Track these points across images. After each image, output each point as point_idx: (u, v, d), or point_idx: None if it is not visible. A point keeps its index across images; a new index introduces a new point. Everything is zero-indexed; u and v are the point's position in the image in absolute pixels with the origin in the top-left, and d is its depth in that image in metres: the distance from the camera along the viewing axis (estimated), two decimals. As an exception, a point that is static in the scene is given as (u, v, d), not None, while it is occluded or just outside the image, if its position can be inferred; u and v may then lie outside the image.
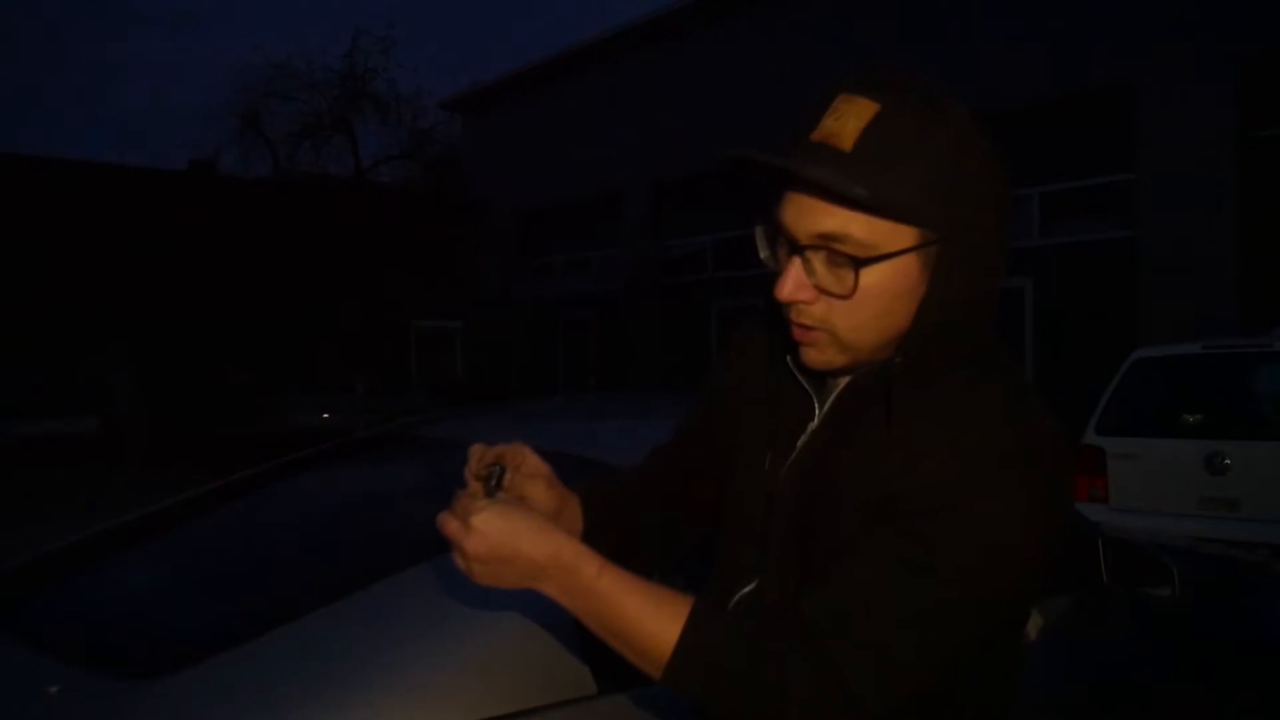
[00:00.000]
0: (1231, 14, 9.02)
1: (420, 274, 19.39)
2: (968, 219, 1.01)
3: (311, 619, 1.58)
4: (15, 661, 1.73)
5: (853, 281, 1.01)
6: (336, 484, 2.60)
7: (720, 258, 14.41)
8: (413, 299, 20.02)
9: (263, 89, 23.66)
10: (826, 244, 1.02)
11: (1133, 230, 9.80)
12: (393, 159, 24.90)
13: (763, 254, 1.10)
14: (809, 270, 1.04)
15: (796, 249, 1.04)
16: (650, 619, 0.99)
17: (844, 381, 1.12)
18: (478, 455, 1.16)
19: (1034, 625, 2.20)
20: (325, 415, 14.32)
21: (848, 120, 1.00)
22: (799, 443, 1.14)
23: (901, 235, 1.01)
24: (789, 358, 1.14)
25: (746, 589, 1.16)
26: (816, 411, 1.14)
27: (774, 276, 1.07)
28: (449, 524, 1.03)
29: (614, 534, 1.24)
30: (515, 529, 1.01)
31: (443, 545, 1.05)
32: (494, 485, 1.12)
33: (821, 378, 1.14)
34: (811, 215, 1.02)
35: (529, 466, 1.21)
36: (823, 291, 1.03)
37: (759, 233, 1.10)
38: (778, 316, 1.09)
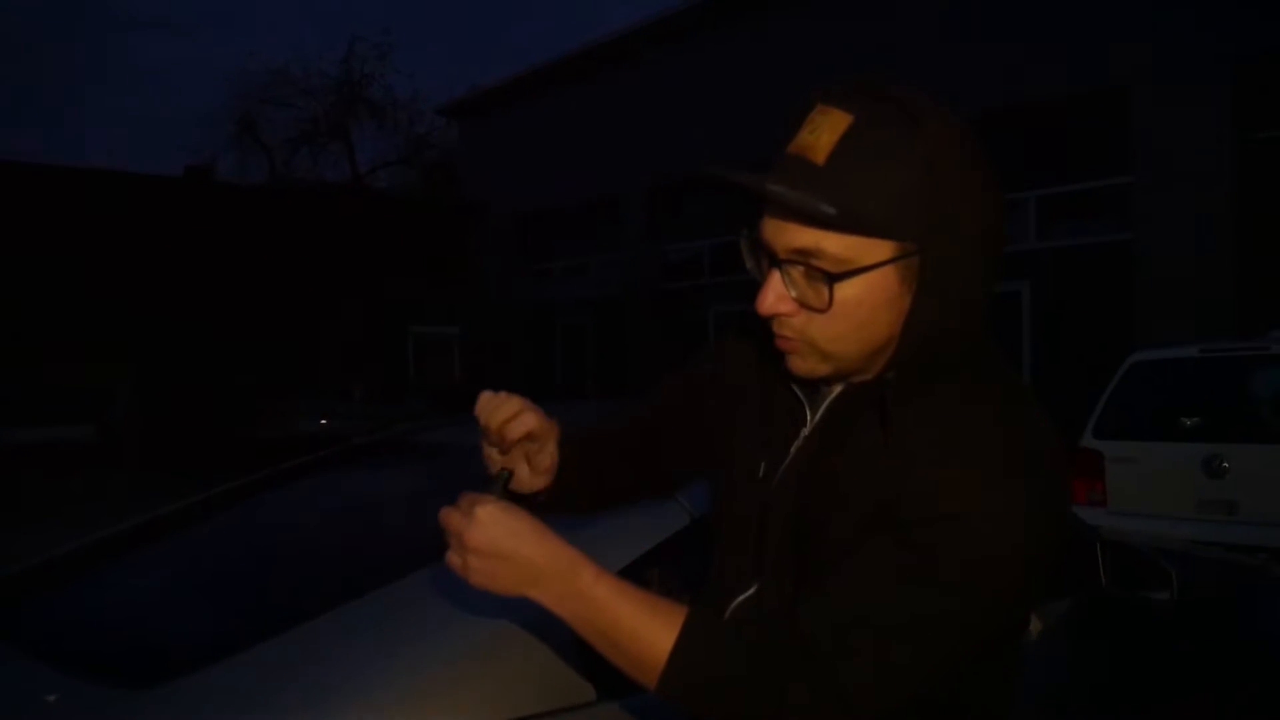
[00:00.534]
0: (1228, 17, 9.03)
1: (418, 279, 19.39)
2: (949, 229, 0.99)
3: (310, 626, 1.58)
4: (14, 670, 1.73)
5: (828, 295, 1.00)
6: (335, 490, 2.60)
7: (718, 262, 14.43)
8: (411, 304, 20.01)
9: (259, 95, 23.71)
10: (802, 259, 1.01)
11: (1130, 233, 9.82)
12: (390, 164, 24.93)
13: (748, 264, 1.10)
14: (789, 283, 1.03)
15: (775, 262, 1.04)
16: (646, 627, 0.99)
17: (836, 389, 1.12)
18: (495, 415, 1.15)
19: (1033, 629, 2.20)
20: (324, 421, 14.31)
21: (822, 133, 1.00)
22: (793, 449, 1.14)
23: (877, 249, 0.99)
24: (781, 365, 1.14)
25: (744, 595, 1.15)
26: (809, 418, 1.14)
27: (761, 284, 1.07)
28: (451, 516, 1.02)
29: (570, 495, 1.24)
30: (517, 528, 1.00)
31: (441, 552, 1.04)
32: (501, 488, 1.11)
33: (814, 385, 1.13)
34: (786, 231, 1.01)
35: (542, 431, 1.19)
36: (802, 304, 1.03)
37: (743, 244, 1.10)
38: (766, 322, 1.09)
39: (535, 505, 1.17)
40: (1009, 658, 1.15)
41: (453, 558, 1.02)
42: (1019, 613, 1.07)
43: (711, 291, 14.31)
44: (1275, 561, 4.10)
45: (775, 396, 1.18)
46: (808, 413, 1.14)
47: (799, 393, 1.15)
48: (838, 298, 1.00)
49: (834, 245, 0.99)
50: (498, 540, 0.99)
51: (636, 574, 1.70)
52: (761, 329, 1.12)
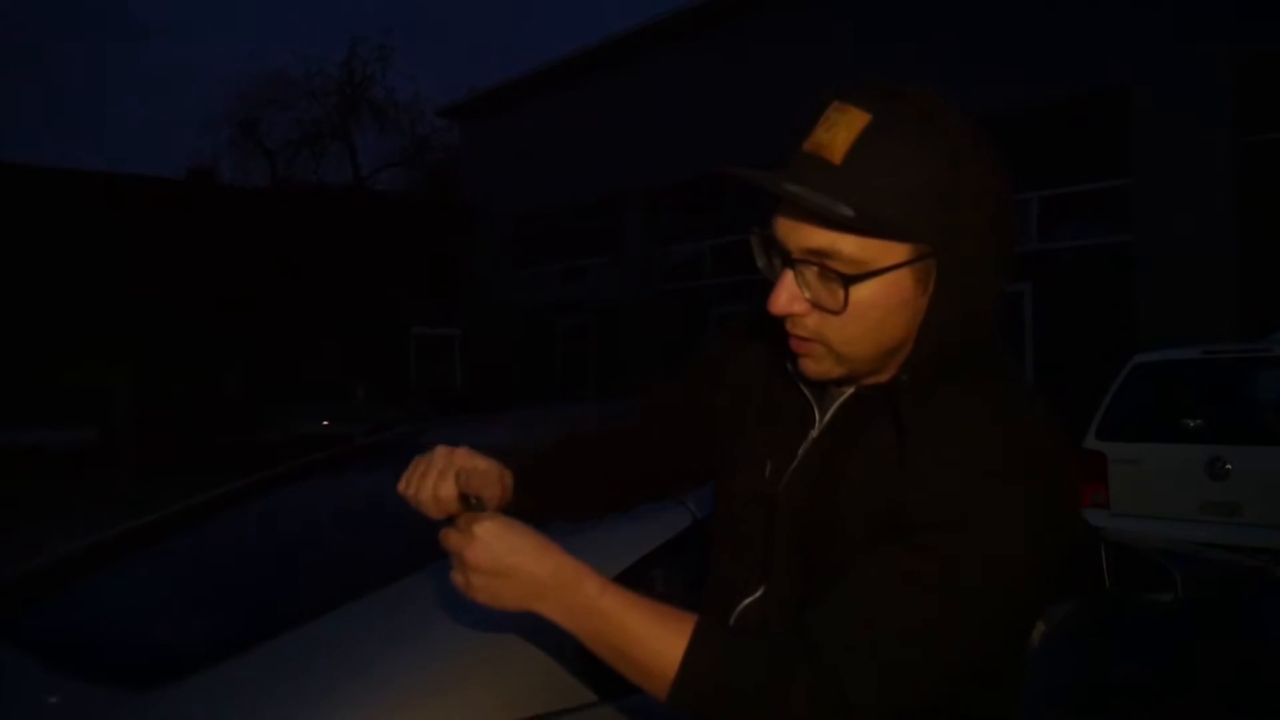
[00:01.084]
0: (1229, 18, 9.03)
1: (419, 281, 19.41)
2: (964, 232, 0.99)
3: (310, 628, 1.57)
4: (15, 672, 1.73)
5: (843, 297, 0.99)
6: (335, 492, 2.60)
7: (719, 263, 14.43)
8: (411, 306, 20.02)
9: (261, 97, 23.71)
10: (817, 260, 1.00)
11: (1132, 235, 9.82)
12: (391, 166, 24.95)
13: (759, 263, 1.09)
14: (802, 283, 1.02)
15: (789, 261, 1.03)
16: (654, 637, 0.98)
17: (847, 392, 1.11)
18: (432, 497, 1.12)
19: (1036, 631, 2.20)
20: (325, 423, 14.32)
21: (839, 131, 0.98)
22: (800, 450, 1.13)
23: (893, 251, 0.99)
24: (789, 365, 1.13)
25: (751, 598, 1.14)
26: (817, 420, 1.13)
27: (772, 282, 1.06)
28: (450, 536, 1.02)
29: (535, 504, 1.22)
30: (519, 543, 1.00)
31: (441, 553, 1.04)
32: (475, 504, 1.10)
33: (823, 386, 1.12)
34: (801, 231, 1.00)
35: (476, 467, 1.16)
36: (815, 305, 1.02)
37: (755, 241, 1.08)
38: (776, 322, 1.08)
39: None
40: (1013, 661, 1.14)
41: (456, 577, 1.02)
42: (1028, 617, 1.06)
43: (711, 293, 14.31)
44: (1278, 563, 4.09)
45: (783, 397, 1.16)
46: (816, 414, 1.13)
47: (808, 394, 1.13)
48: (853, 299, 0.99)
49: (850, 247, 0.98)
50: (499, 557, 0.99)
51: (640, 574, 1.69)
52: (770, 328, 1.11)
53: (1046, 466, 0.99)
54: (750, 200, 1.02)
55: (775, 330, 1.09)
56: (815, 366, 1.07)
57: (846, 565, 1.01)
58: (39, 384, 14.63)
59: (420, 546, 1.44)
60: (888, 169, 0.97)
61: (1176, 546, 3.42)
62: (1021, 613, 1.03)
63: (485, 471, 1.16)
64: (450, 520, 1.07)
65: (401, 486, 1.15)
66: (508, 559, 0.99)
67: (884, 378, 1.08)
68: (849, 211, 0.95)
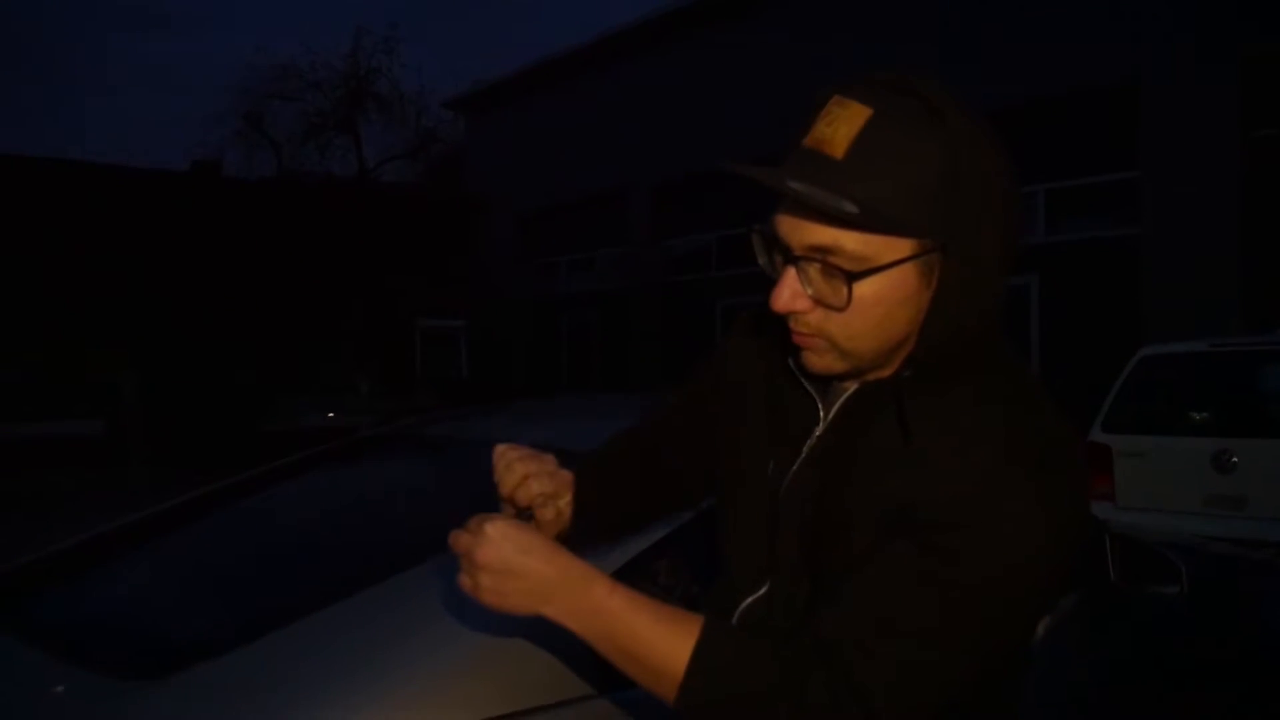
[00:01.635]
0: (1236, 12, 9.00)
1: (424, 273, 19.41)
2: (968, 226, 0.98)
3: (314, 619, 1.58)
4: (20, 661, 1.73)
5: (846, 294, 0.98)
6: (341, 484, 2.60)
7: (724, 255, 14.41)
8: (417, 298, 20.04)
9: (266, 89, 23.68)
10: (820, 256, 0.99)
11: (1138, 228, 9.79)
12: (397, 159, 24.90)
13: (760, 260, 1.07)
14: (805, 280, 1.01)
15: (791, 258, 1.01)
16: (664, 638, 0.97)
17: (850, 387, 1.10)
18: (511, 472, 1.14)
19: (1041, 624, 2.20)
20: (330, 415, 14.34)
21: (840, 125, 0.97)
22: (804, 448, 1.12)
23: (897, 246, 0.97)
24: (791, 360, 1.12)
25: (755, 595, 1.14)
26: (821, 417, 1.12)
27: (774, 280, 1.04)
28: (459, 537, 1.01)
29: (597, 531, 1.23)
30: (528, 544, 0.99)
31: (445, 544, 1.03)
32: (525, 514, 1.11)
33: (826, 381, 1.11)
34: (803, 228, 0.99)
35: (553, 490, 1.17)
36: (818, 302, 1.01)
37: (755, 239, 1.07)
38: (778, 318, 1.07)
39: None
40: (1018, 655, 1.14)
41: (464, 579, 1.01)
42: (1039, 611, 1.06)
43: (717, 285, 14.30)
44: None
45: (786, 394, 1.16)
46: (820, 410, 1.12)
47: (811, 390, 1.12)
48: (856, 295, 0.98)
49: (853, 243, 0.97)
50: (508, 557, 0.98)
51: (644, 565, 1.69)
52: (772, 324, 1.10)
53: (1059, 460, 0.99)
54: (757, 193, 1.01)
55: (778, 327, 1.09)
56: (819, 361, 1.06)
57: (853, 562, 1.00)
58: (46, 376, 14.67)
59: (424, 538, 1.44)
60: (890, 163, 0.95)
61: (1182, 539, 3.42)
62: (1036, 606, 1.03)
63: (556, 488, 1.17)
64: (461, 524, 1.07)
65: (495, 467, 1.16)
66: (517, 559, 0.98)
67: (887, 373, 1.07)
68: (852, 208, 0.94)
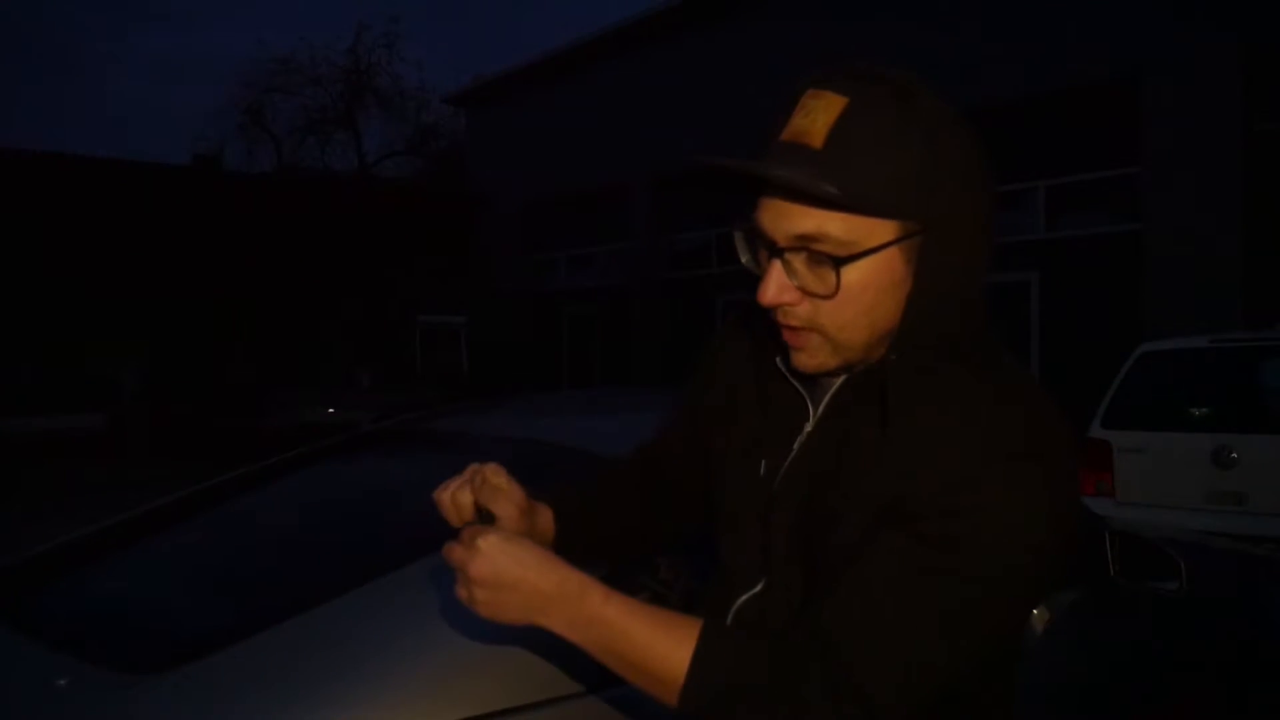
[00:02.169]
0: (1237, 7, 8.98)
1: (425, 268, 19.41)
2: (948, 209, 0.99)
3: (314, 614, 1.58)
4: (22, 656, 1.74)
5: (834, 281, 0.99)
6: (341, 479, 2.60)
7: (725, 251, 14.38)
8: (417, 293, 20.04)
9: (267, 84, 23.69)
10: (805, 245, 0.99)
11: (1138, 223, 9.78)
12: (397, 154, 24.91)
13: (743, 258, 1.08)
14: (790, 272, 1.01)
15: (776, 251, 1.02)
16: (661, 642, 0.97)
17: (837, 382, 1.10)
18: (451, 502, 1.13)
19: (1040, 620, 2.20)
20: (330, 410, 14.33)
21: (817, 116, 0.98)
22: (795, 444, 1.12)
23: (881, 229, 0.98)
24: (779, 361, 1.12)
25: (749, 593, 1.14)
26: (811, 413, 1.12)
27: (759, 277, 1.05)
28: (453, 550, 1.01)
29: (583, 547, 1.23)
30: (522, 556, 0.99)
31: (445, 541, 1.04)
32: (485, 515, 1.11)
33: (813, 378, 1.11)
34: (787, 217, 0.99)
35: (496, 483, 1.15)
36: (806, 292, 1.01)
37: (738, 238, 1.07)
38: (765, 315, 1.07)
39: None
40: (1012, 645, 1.14)
41: (460, 591, 1.02)
42: (1034, 598, 1.06)
43: (718, 280, 14.30)
44: (1284, 552, 4.08)
45: (774, 391, 1.16)
46: (810, 407, 1.12)
47: (799, 387, 1.13)
48: (844, 282, 0.99)
49: (838, 228, 0.98)
50: (502, 570, 0.98)
51: (640, 561, 1.69)
52: (760, 323, 1.10)
53: (1047, 448, 0.99)
54: (745, 188, 1.01)
55: (765, 324, 1.09)
56: (810, 360, 1.06)
57: (848, 557, 1.00)
58: (46, 370, 14.69)
59: (424, 534, 1.44)
60: (869, 148, 0.96)
61: (1182, 535, 3.42)
62: (1031, 593, 1.03)
63: (505, 490, 1.15)
64: (456, 534, 1.07)
65: (437, 491, 1.15)
66: (511, 572, 0.98)
67: (875, 359, 1.07)
68: (835, 190, 0.95)
